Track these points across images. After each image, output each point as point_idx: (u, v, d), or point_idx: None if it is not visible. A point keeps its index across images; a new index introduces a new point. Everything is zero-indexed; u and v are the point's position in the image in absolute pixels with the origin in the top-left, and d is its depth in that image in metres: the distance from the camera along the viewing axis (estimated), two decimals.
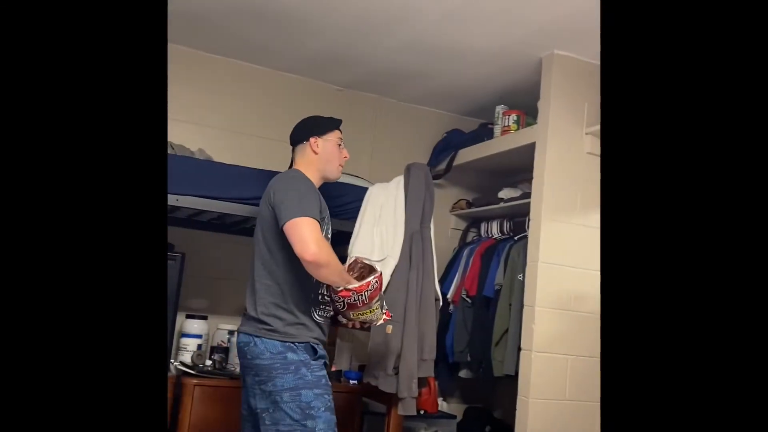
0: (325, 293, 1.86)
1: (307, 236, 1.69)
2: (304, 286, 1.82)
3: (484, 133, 3.04)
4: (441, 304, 2.54)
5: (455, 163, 3.11)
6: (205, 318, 2.68)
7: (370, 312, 1.86)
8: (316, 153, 1.95)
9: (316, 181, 1.93)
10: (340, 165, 2.00)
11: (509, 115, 2.85)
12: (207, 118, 2.88)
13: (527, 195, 2.62)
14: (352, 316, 1.88)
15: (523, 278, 2.52)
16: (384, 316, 1.92)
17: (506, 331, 2.62)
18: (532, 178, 2.54)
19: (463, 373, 2.94)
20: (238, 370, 2.52)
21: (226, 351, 2.62)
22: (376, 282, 1.83)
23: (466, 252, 3.03)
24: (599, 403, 2.66)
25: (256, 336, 1.78)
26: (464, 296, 2.89)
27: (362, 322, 1.94)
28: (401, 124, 3.25)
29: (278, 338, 1.77)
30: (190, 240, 2.67)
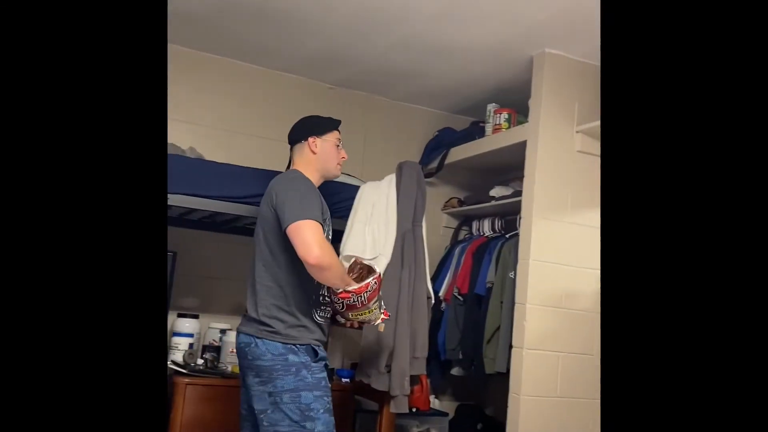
0: (325, 294, 1.87)
1: (310, 239, 1.69)
2: (306, 288, 1.82)
3: (476, 131, 3.05)
4: (433, 302, 2.55)
5: (447, 161, 3.12)
6: (196, 317, 2.67)
7: (369, 312, 1.87)
8: (314, 153, 1.95)
9: (315, 181, 1.93)
10: (338, 165, 2.00)
11: (500, 114, 2.86)
12: (198, 117, 2.87)
13: (518, 193, 2.63)
14: (350, 317, 1.90)
15: (515, 276, 2.53)
16: (382, 316, 1.93)
17: (498, 328, 2.63)
18: (523, 176, 2.55)
19: (455, 371, 2.95)
20: (230, 369, 2.52)
21: (217, 350, 2.61)
22: (375, 283, 1.84)
23: (457, 250, 3.04)
24: (590, 400, 2.70)
25: (258, 337, 1.78)
26: (456, 294, 2.89)
27: (360, 322, 1.95)
28: (393, 122, 3.26)
29: (280, 340, 1.77)
30: (182, 238, 2.66)
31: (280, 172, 2.46)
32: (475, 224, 3.11)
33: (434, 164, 3.15)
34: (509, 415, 2.40)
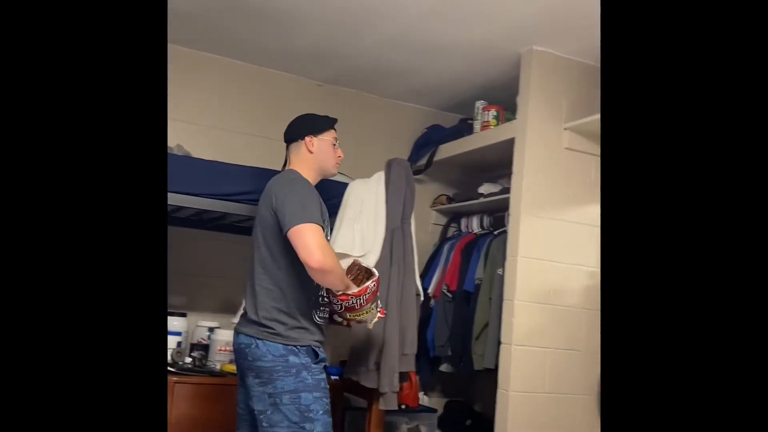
0: (324, 295, 1.87)
1: (312, 243, 1.69)
2: (306, 289, 1.82)
3: (464, 128, 3.05)
4: (422, 299, 2.55)
5: (435, 158, 3.12)
6: (184, 315, 2.66)
7: (366, 313, 1.89)
8: (311, 152, 1.94)
9: (312, 180, 1.93)
10: (335, 164, 1.99)
11: (489, 111, 2.86)
12: (185, 114, 2.85)
13: (507, 190, 2.64)
14: (348, 317, 1.91)
15: (503, 273, 2.54)
16: (378, 315, 1.94)
17: (486, 325, 2.64)
18: (511, 173, 2.56)
19: (443, 367, 2.96)
20: (218, 367, 2.51)
21: (206, 348, 2.60)
22: (374, 285, 1.86)
23: (446, 247, 3.04)
24: (577, 395, 2.72)
25: (258, 338, 1.78)
26: (445, 291, 2.90)
27: (357, 322, 1.96)
28: (381, 119, 3.25)
29: (281, 341, 1.77)
30: (169, 236, 2.62)
31: (268, 170, 2.46)
32: (463, 221, 3.12)
33: (423, 161, 3.16)
34: (498, 411, 2.42)
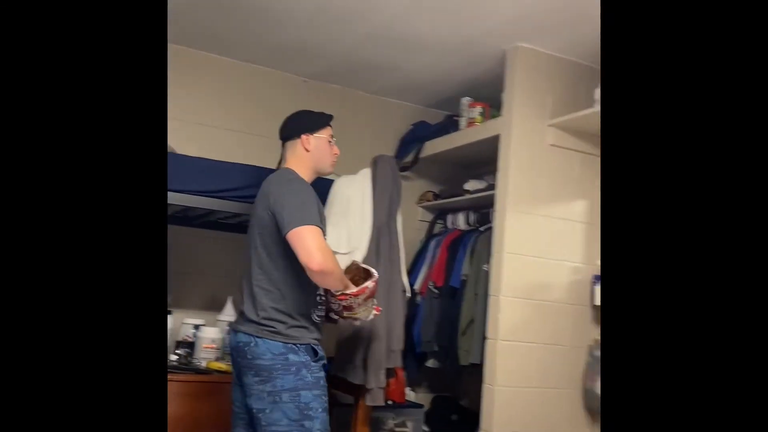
0: (322, 294, 1.88)
1: (312, 246, 1.69)
2: (305, 290, 1.82)
3: (450, 124, 3.06)
4: (408, 295, 2.56)
5: (422, 155, 3.13)
6: (169, 312, 2.64)
7: (363, 311, 1.90)
8: (308, 150, 1.93)
9: (308, 178, 1.92)
10: (332, 162, 1.99)
11: (474, 108, 2.87)
12: (170, 110, 2.78)
13: (492, 186, 2.65)
14: (345, 315, 1.92)
15: (489, 268, 2.55)
16: (374, 312, 1.95)
17: (472, 320, 2.66)
18: (496, 169, 2.57)
19: (430, 363, 2.97)
20: (204, 364, 2.50)
21: (191, 345, 2.59)
22: (373, 286, 1.87)
23: (433, 243, 3.05)
24: (562, 390, 2.74)
25: (258, 336, 1.77)
26: (431, 287, 2.91)
27: (354, 320, 1.97)
28: (368, 115, 3.25)
29: (280, 339, 1.77)
30: None
31: (253, 167, 2.46)
32: (449, 218, 3.13)
33: (409, 158, 3.16)
34: (484, 406, 2.43)
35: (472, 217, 2.98)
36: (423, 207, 3.31)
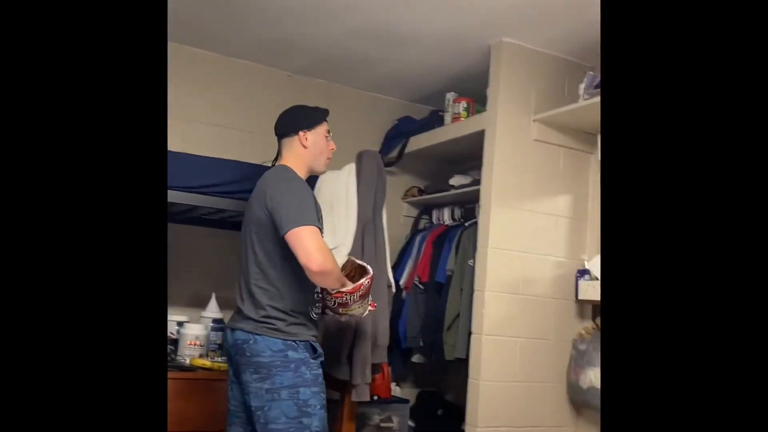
0: (318, 291, 1.87)
1: (312, 247, 1.68)
2: (303, 288, 1.81)
3: (435, 120, 3.06)
4: (394, 291, 2.56)
5: (407, 150, 3.13)
6: None
7: (359, 307, 1.90)
8: (305, 147, 1.91)
9: (305, 175, 1.91)
10: (328, 158, 1.97)
11: (459, 103, 2.87)
12: None
13: (477, 182, 2.66)
14: (341, 312, 1.92)
15: (474, 263, 2.56)
16: (369, 308, 1.95)
17: (458, 315, 2.66)
18: (481, 165, 2.58)
19: (415, 358, 2.97)
20: (188, 361, 2.48)
21: (175, 343, 2.56)
22: (368, 282, 1.87)
23: (418, 239, 3.06)
24: (547, 384, 2.75)
25: (257, 334, 1.76)
26: (417, 282, 2.91)
27: (349, 315, 1.98)
28: (352, 110, 3.23)
29: (280, 336, 1.76)
30: None
31: (236, 162, 2.43)
32: (435, 213, 3.13)
33: (394, 153, 3.15)
34: (469, 401, 2.44)
35: (457, 212, 2.99)
36: (408, 202, 3.31)
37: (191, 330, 2.54)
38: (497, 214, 2.48)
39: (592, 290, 2.46)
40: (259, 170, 2.44)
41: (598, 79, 2.40)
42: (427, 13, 2.38)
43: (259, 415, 1.74)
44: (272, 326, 1.76)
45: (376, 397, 2.76)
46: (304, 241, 1.68)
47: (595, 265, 2.50)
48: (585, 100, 2.39)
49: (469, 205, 2.90)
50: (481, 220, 2.54)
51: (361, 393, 2.33)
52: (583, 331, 2.48)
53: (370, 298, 1.96)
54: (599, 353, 2.36)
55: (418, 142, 3.08)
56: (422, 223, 3.26)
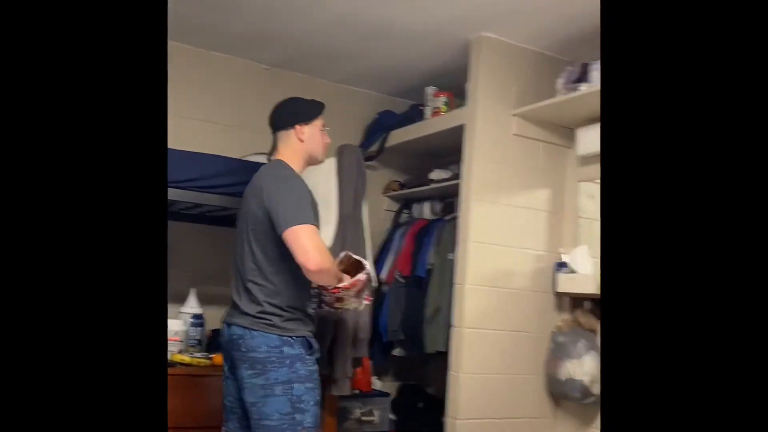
0: (315, 287, 1.87)
1: (309, 246, 1.67)
2: (299, 284, 1.81)
3: (415, 114, 3.06)
4: (375, 285, 2.56)
5: (387, 144, 3.12)
6: None
7: (355, 302, 1.91)
8: (302, 141, 1.90)
9: (301, 169, 1.90)
10: (324, 152, 1.96)
11: (439, 97, 2.88)
12: None
13: (457, 176, 2.67)
14: (336, 307, 1.93)
15: (454, 257, 2.57)
16: (365, 302, 1.96)
17: (438, 309, 2.68)
18: (461, 159, 2.59)
19: (396, 352, 2.98)
20: (168, 357, 2.45)
21: None
22: (365, 278, 1.88)
23: (398, 233, 3.06)
24: (526, 375, 2.77)
25: (254, 329, 1.76)
26: (397, 277, 2.92)
27: (345, 310, 1.99)
28: (332, 104, 3.17)
29: (276, 332, 1.75)
30: None
31: (214, 156, 2.41)
32: (415, 207, 3.14)
33: (374, 147, 3.15)
34: (449, 393, 2.46)
35: (438, 206, 3.00)
36: (389, 197, 3.31)
37: (171, 326, 2.52)
38: (477, 208, 2.50)
39: (570, 283, 2.49)
40: (237, 164, 2.43)
41: (576, 74, 2.42)
42: (407, 6, 2.38)
43: (253, 411, 1.75)
44: (269, 322, 1.76)
45: (357, 391, 2.77)
46: (301, 240, 1.68)
47: (573, 258, 2.53)
48: (563, 94, 2.41)
49: (449, 200, 2.91)
50: (461, 214, 2.56)
51: (342, 387, 2.34)
52: (561, 324, 2.52)
53: (366, 292, 1.96)
54: (577, 345, 2.40)
55: (398, 137, 3.08)
56: (403, 217, 3.26)
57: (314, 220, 1.74)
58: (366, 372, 2.82)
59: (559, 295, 2.60)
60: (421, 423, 2.93)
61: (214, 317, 2.65)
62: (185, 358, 2.40)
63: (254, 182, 1.86)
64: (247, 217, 1.84)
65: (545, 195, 2.66)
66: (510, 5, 2.32)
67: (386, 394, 3.01)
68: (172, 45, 2.85)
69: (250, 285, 1.80)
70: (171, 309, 2.64)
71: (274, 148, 1.95)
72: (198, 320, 2.58)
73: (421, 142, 3.01)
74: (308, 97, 2.06)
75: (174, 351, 2.48)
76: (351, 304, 1.91)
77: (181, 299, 2.66)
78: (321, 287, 1.85)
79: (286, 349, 1.75)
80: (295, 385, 1.73)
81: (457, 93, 2.83)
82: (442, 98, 2.86)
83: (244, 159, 2.56)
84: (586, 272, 2.44)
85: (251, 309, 1.78)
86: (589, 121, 2.52)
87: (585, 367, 2.35)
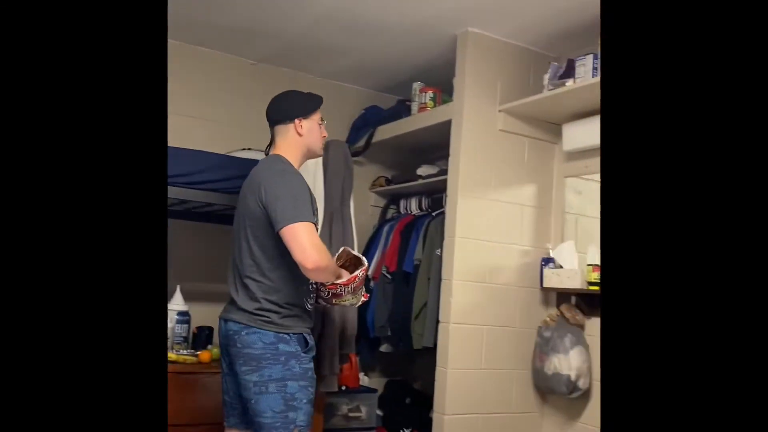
0: (313, 283, 1.86)
1: (307, 244, 1.66)
2: (298, 281, 1.80)
3: (402, 110, 3.05)
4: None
5: (374, 140, 3.12)
6: None
7: (352, 298, 1.91)
8: (300, 135, 1.88)
9: (299, 163, 1.88)
10: (322, 146, 1.95)
11: (426, 93, 2.88)
12: None
13: (444, 172, 2.67)
14: (333, 302, 1.93)
15: (441, 253, 2.57)
16: (362, 299, 1.95)
17: (425, 304, 2.68)
18: (448, 155, 2.59)
19: (383, 348, 2.98)
20: None
21: None
22: (362, 275, 1.87)
23: (386, 229, 3.06)
24: (512, 370, 2.78)
25: (250, 325, 1.75)
26: (385, 272, 2.92)
27: (342, 305, 1.98)
28: None
29: (273, 329, 1.74)
30: None
31: (199, 151, 2.38)
32: (402, 203, 3.14)
33: (361, 143, 3.14)
34: (437, 388, 2.46)
35: (425, 202, 3.00)
36: (375, 192, 3.31)
37: None
38: (464, 203, 2.50)
39: (556, 278, 2.50)
40: (223, 160, 2.41)
41: (562, 70, 2.43)
42: (393, 2, 2.37)
43: (249, 407, 1.75)
44: (266, 319, 1.75)
45: (344, 387, 2.77)
46: (299, 237, 1.67)
47: (559, 254, 2.54)
48: (549, 90, 2.42)
49: (436, 195, 2.91)
50: (448, 209, 2.56)
51: (329, 383, 2.33)
52: (547, 318, 2.53)
53: (364, 289, 1.96)
54: (563, 340, 2.41)
55: (385, 132, 3.07)
56: (390, 213, 3.26)
57: (312, 217, 1.73)
58: (353, 368, 2.82)
59: (546, 290, 2.62)
60: (409, 419, 2.94)
61: (200, 314, 2.63)
62: (171, 355, 2.38)
63: (252, 177, 1.84)
64: (244, 212, 1.82)
65: (531, 190, 2.67)
66: (496, 1, 2.32)
67: (374, 390, 3.01)
68: None
69: (247, 281, 1.79)
70: None
71: (271, 142, 1.93)
72: (184, 317, 2.56)
73: (408, 138, 3.00)
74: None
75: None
76: (348, 300, 1.91)
77: (167, 296, 2.64)
78: (318, 283, 1.85)
79: (281, 346, 1.74)
80: (289, 383, 1.72)
81: (443, 88, 2.83)
82: (429, 94, 2.86)
83: (229, 155, 2.54)
84: (572, 267, 2.46)
85: (249, 305, 1.77)
86: (575, 117, 2.53)
87: (571, 361, 2.37)
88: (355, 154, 3.04)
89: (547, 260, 2.57)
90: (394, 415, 3.00)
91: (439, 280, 2.54)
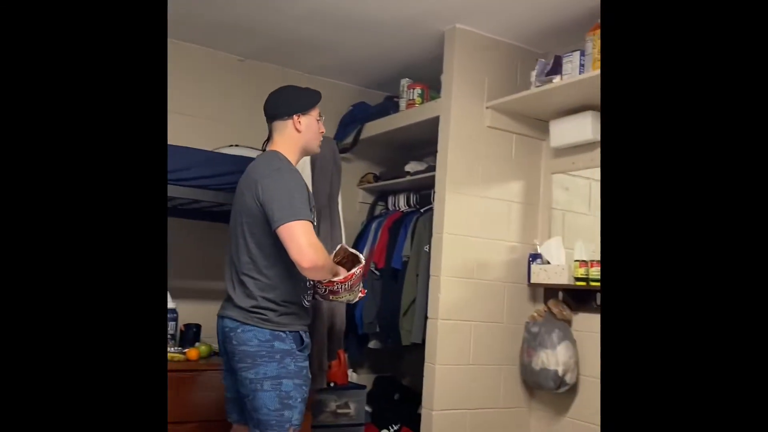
0: (310, 281, 1.86)
1: (304, 242, 1.65)
2: (295, 278, 1.79)
3: (390, 106, 3.05)
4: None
5: (362, 136, 3.11)
6: None
7: (349, 295, 1.90)
8: (299, 131, 1.86)
9: (297, 159, 1.87)
10: (319, 142, 1.93)
11: (414, 89, 2.88)
12: None
13: (432, 168, 2.67)
14: (330, 299, 1.93)
15: (429, 249, 2.58)
16: (360, 295, 1.95)
17: (414, 301, 2.68)
18: (436, 151, 2.59)
19: (372, 344, 2.99)
20: None
21: None
22: (360, 272, 1.87)
23: (374, 225, 3.06)
24: (500, 366, 2.79)
25: (246, 323, 1.74)
26: (373, 269, 2.92)
27: (339, 302, 1.99)
28: None
29: (269, 327, 1.74)
30: None
31: (184, 148, 2.36)
32: (390, 199, 3.14)
33: (349, 139, 3.14)
34: (425, 384, 2.47)
35: (413, 198, 3.00)
36: (364, 189, 3.30)
37: None
38: (452, 200, 2.51)
39: (543, 274, 2.52)
40: (210, 157, 2.39)
41: (549, 67, 2.44)
42: None
43: (246, 403, 1.76)
44: (263, 317, 1.74)
45: (332, 384, 2.77)
46: (295, 236, 1.66)
47: (546, 249, 2.56)
48: (537, 87, 2.43)
49: (424, 192, 2.92)
50: (436, 206, 2.56)
51: (318, 380, 2.33)
52: (535, 314, 2.54)
53: (361, 285, 1.96)
54: (551, 335, 2.43)
55: (373, 129, 3.07)
56: (378, 210, 3.26)
57: (309, 215, 1.72)
58: (342, 365, 2.82)
59: (533, 286, 2.63)
60: (398, 415, 2.94)
61: (188, 312, 2.62)
62: None
63: (249, 174, 1.83)
64: (241, 209, 1.81)
65: (519, 187, 2.68)
66: None
67: (362, 387, 3.02)
68: None
69: (244, 278, 1.78)
70: None
71: (269, 138, 1.91)
72: (171, 314, 2.54)
73: (396, 134, 3.00)
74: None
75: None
76: (345, 296, 1.91)
77: None
78: (316, 280, 1.85)
79: (277, 344, 1.74)
80: (284, 381, 1.72)
81: (431, 85, 2.83)
82: (417, 90, 2.86)
83: (217, 151, 2.53)
84: (559, 263, 2.47)
85: (245, 303, 1.76)
86: (562, 114, 2.54)
87: (559, 356, 2.38)
88: (343, 150, 3.04)
89: (535, 256, 2.59)
90: (383, 411, 3.01)
91: (428, 276, 2.55)
